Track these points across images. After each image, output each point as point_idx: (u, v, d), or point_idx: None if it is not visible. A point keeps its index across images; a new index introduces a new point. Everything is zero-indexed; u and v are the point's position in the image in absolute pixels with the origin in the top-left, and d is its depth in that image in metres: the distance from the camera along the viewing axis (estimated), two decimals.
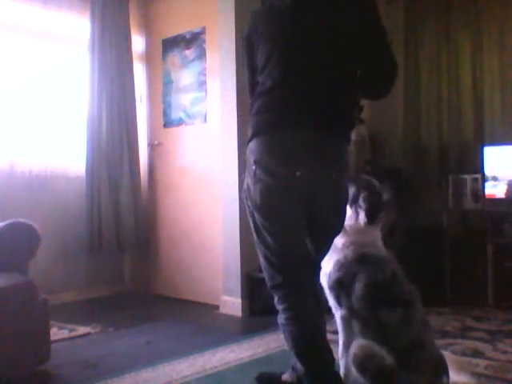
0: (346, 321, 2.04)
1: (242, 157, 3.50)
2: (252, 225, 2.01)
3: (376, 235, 2.14)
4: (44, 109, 3.98)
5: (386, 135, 4.46)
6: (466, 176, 3.95)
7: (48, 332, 2.59)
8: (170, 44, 4.26)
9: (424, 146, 4.39)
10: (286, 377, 2.26)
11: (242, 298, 3.60)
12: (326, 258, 2.08)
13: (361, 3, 1.97)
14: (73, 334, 3.21)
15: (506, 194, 3.79)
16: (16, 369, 2.41)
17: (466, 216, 4.03)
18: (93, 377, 2.51)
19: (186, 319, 3.59)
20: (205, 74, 4.00)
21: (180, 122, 4.21)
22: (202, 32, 3.99)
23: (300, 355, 1.97)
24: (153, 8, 4.43)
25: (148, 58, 4.50)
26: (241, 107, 3.52)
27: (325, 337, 2.00)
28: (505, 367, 2.52)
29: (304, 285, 1.99)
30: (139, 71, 4.48)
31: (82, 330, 3.29)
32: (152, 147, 4.44)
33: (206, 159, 4.00)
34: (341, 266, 2.06)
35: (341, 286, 2.05)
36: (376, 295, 1.98)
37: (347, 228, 2.08)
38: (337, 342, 2.09)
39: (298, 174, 1.88)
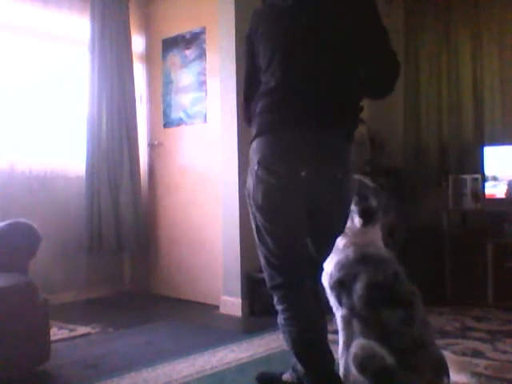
0: (347, 321, 2.04)
1: (242, 157, 3.51)
2: (253, 225, 2.01)
3: (375, 235, 2.14)
4: (44, 109, 3.97)
5: (386, 135, 4.46)
6: (465, 176, 3.95)
7: (48, 332, 2.59)
8: (170, 44, 4.26)
9: (424, 146, 4.39)
10: (286, 377, 2.26)
11: (241, 298, 3.60)
12: (328, 258, 2.08)
13: (361, 3, 1.97)
14: (73, 334, 3.21)
15: (506, 194, 3.79)
16: (16, 369, 2.41)
17: (465, 216, 4.03)
18: (93, 377, 2.51)
19: (186, 319, 3.59)
20: (205, 74, 4.00)
21: (180, 122, 4.21)
22: (202, 32, 3.99)
23: (299, 356, 1.96)
24: (153, 8, 4.43)
25: (148, 57, 4.50)
26: (241, 107, 3.51)
27: (325, 337, 1.99)
28: (505, 367, 2.53)
29: (304, 285, 1.98)
30: (139, 71, 4.48)
31: (81, 330, 3.29)
32: (152, 147, 4.44)
33: (205, 159, 4.00)
34: (342, 266, 2.07)
35: (342, 286, 2.05)
36: (377, 295, 1.98)
37: (346, 230, 2.08)
38: (337, 342, 2.09)
39: (302, 173, 1.88)
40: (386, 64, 1.97)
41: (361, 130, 3.95)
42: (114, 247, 4.17)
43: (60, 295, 3.88)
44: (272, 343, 2.95)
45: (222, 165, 3.69)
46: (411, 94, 4.44)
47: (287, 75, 1.93)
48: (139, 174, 4.32)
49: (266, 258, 1.98)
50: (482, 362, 2.58)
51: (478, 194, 3.87)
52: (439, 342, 2.55)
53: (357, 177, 2.13)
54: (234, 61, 3.57)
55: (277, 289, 1.99)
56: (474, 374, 2.32)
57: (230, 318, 3.58)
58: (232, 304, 3.64)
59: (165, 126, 4.33)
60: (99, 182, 4.09)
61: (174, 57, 4.24)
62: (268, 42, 1.98)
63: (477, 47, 4.14)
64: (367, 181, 2.17)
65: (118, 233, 4.19)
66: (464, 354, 2.70)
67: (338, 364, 2.05)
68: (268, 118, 1.95)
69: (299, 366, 2.00)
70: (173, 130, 4.27)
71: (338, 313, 2.09)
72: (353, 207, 2.08)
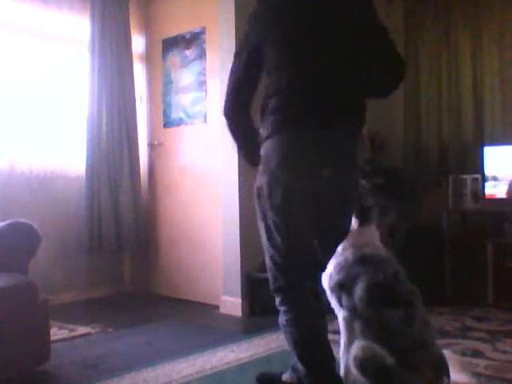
0: (348, 322, 2.03)
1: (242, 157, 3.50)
2: (262, 224, 1.99)
3: (372, 235, 2.14)
4: (44, 109, 3.97)
5: (386, 135, 4.46)
6: (465, 176, 3.95)
7: (48, 332, 2.59)
8: (170, 44, 4.26)
9: (424, 146, 4.39)
10: (286, 377, 2.26)
11: (241, 298, 3.60)
12: None
13: (360, 3, 1.97)
14: (73, 334, 3.21)
15: (506, 194, 3.79)
16: (16, 369, 2.41)
17: (465, 216, 4.03)
18: (93, 377, 2.51)
19: (186, 319, 3.59)
20: (205, 74, 4.00)
21: (180, 122, 4.21)
22: (202, 32, 3.99)
23: (301, 356, 1.97)
24: (153, 8, 4.43)
25: (148, 57, 4.50)
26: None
27: (326, 338, 2.00)
28: (505, 367, 2.53)
29: (306, 287, 1.99)
30: (139, 71, 4.47)
31: (81, 330, 3.29)
32: (152, 147, 4.44)
33: (205, 159, 4.00)
34: (341, 268, 2.06)
35: (342, 287, 2.05)
36: (377, 296, 1.98)
37: None
38: (338, 342, 2.09)
39: (324, 173, 1.88)
40: (387, 64, 1.98)
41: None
42: (113, 247, 4.17)
43: (60, 295, 3.88)
44: (272, 343, 2.95)
45: (221, 165, 3.69)
46: (411, 94, 4.44)
47: (294, 75, 1.93)
48: (139, 174, 4.32)
49: (272, 258, 1.98)
50: (482, 362, 2.58)
51: (478, 193, 3.87)
52: (439, 341, 2.54)
53: None
54: None
55: (280, 290, 1.99)
56: (474, 374, 2.32)
57: (229, 318, 3.58)
58: (232, 304, 3.64)
59: (165, 126, 4.33)
60: (99, 182, 4.09)
61: (174, 57, 4.24)
62: (273, 43, 1.98)
63: (477, 47, 4.14)
64: (362, 181, 2.18)
65: (118, 233, 4.19)
66: (464, 354, 2.69)
67: (339, 364, 2.05)
68: (281, 117, 1.94)
69: (299, 366, 2.00)
70: (173, 130, 4.27)
71: (340, 314, 2.08)
72: None
